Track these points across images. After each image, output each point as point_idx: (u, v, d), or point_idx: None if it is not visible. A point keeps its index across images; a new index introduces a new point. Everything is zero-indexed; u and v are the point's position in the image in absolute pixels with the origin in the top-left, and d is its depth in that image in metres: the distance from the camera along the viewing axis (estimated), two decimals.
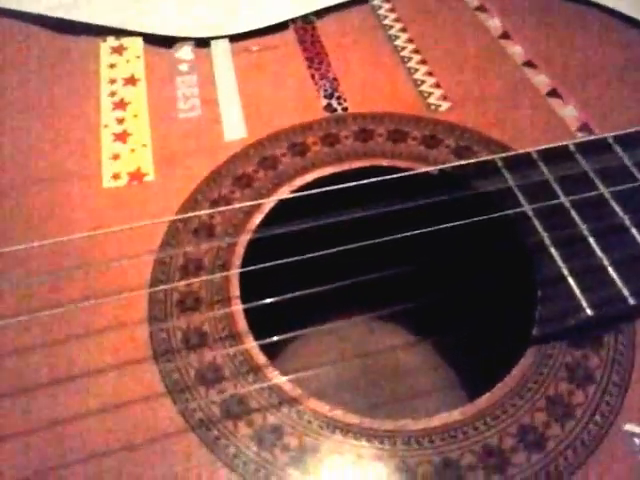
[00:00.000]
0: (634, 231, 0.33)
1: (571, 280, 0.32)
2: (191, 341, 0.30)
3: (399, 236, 0.33)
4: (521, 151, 0.37)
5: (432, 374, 0.41)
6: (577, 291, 0.31)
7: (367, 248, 0.33)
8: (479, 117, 0.40)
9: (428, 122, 0.40)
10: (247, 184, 0.37)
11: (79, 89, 0.42)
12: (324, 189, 0.35)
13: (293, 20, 0.47)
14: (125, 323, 0.31)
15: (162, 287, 0.32)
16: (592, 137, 0.38)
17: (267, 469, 0.27)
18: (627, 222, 0.34)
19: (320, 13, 0.47)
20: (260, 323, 0.31)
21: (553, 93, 0.42)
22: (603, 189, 0.35)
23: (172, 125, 0.40)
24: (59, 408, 0.28)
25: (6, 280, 0.32)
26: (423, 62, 0.44)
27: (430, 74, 0.43)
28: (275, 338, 0.31)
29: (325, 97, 0.42)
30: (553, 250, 0.33)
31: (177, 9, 0.47)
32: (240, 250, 0.34)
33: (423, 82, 0.43)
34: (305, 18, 0.47)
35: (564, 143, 0.37)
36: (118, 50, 0.45)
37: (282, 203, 0.36)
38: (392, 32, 0.47)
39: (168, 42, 0.45)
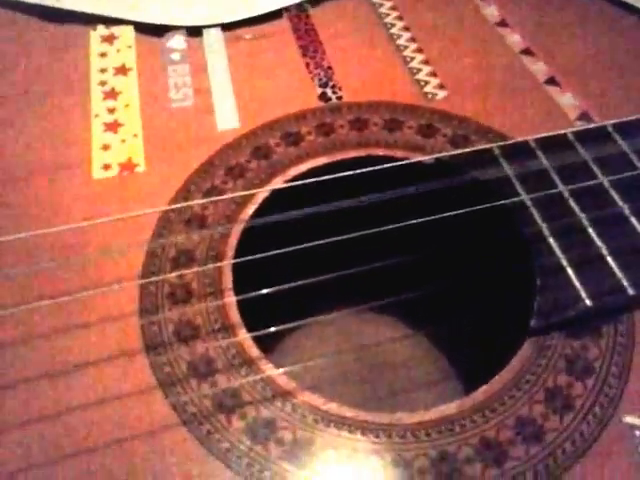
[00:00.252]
0: (633, 220, 0.33)
1: (570, 270, 0.31)
2: (183, 333, 0.30)
3: (394, 226, 0.32)
4: (519, 140, 0.36)
5: (429, 366, 0.41)
6: (576, 281, 0.31)
7: (363, 238, 0.32)
8: (476, 106, 0.40)
9: (424, 111, 0.39)
10: (240, 174, 0.36)
11: (69, 78, 0.41)
12: (318, 179, 0.34)
13: (287, 9, 0.46)
14: (116, 315, 0.30)
15: (153, 279, 0.31)
16: (591, 125, 0.38)
17: (261, 464, 0.26)
18: (626, 211, 0.33)
19: (314, 1, 0.47)
20: (254, 316, 0.31)
21: (551, 81, 0.41)
22: (602, 178, 0.35)
23: (164, 115, 0.39)
24: (47, 402, 0.28)
25: None
26: (419, 50, 0.43)
27: (426, 62, 0.43)
28: (269, 330, 0.30)
29: (320, 86, 0.41)
30: (552, 240, 0.32)
31: None
32: (233, 241, 0.33)
33: (419, 71, 0.42)
34: (299, 6, 0.46)
35: (563, 131, 0.37)
36: (108, 39, 0.44)
37: (276, 193, 0.35)
38: (388, 20, 0.46)
39: (160, 31, 0.44)
